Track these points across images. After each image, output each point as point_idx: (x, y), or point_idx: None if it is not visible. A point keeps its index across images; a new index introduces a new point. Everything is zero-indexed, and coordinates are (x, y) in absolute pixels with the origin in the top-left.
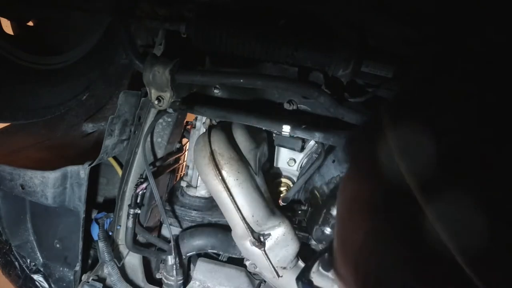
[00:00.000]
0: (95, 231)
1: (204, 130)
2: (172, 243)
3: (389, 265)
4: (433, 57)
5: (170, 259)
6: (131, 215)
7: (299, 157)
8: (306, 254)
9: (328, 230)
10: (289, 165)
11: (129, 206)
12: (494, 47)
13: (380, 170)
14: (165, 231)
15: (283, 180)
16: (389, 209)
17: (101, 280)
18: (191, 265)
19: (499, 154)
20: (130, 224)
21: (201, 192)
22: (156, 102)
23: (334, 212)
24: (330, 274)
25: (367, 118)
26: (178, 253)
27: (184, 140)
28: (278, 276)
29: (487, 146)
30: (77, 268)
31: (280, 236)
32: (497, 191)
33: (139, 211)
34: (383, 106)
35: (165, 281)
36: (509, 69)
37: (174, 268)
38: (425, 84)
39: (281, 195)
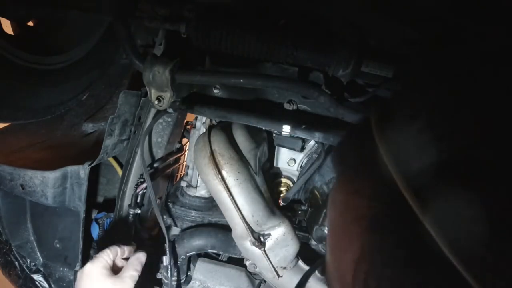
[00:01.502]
0: (95, 231)
1: (204, 130)
2: (167, 244)
3: (389, 280)
4: (424, 60)
5: (165, 260)
6: (131, 215)
7: (299, 157)
8: (306, 254)
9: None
10: (289, 165)
11: (129, 206)
12: (492, 50)
13: (372, 181)
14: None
15: (283, 180)
16: (385, 221)
17: None
18: (191, 265)
19: (492, 160)
20: None
21: (201, 192)
22: (156, 102)
23: None
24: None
25: (352, 126)
26: (175, 254)
27: (184, 140)
28: (278, 276)
29: (479, 151)
30: (77, 268)
31: (280, 236)
32: (492, 195)
33: (139, 211)
34: (371, 112)
35: (165, 281)
36: (504, 75)
37: (169, 270)
38: (417, 89)
39: (281, 195)
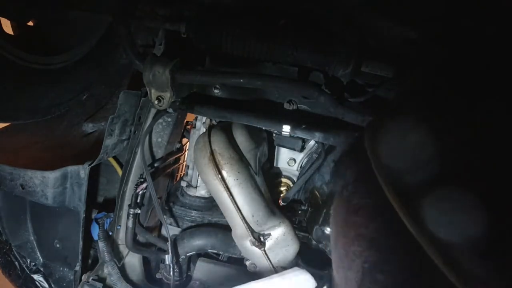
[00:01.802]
0: (95, 231)
1: (204, 130)
2: (169, 243)
3: None
4: (424, 63)
5: (167, 259)
6: (131, 215)
7: (299, 157)
8: (306, 254)
9: (328, 230)
10: (289, 165)
11: (129, 206)
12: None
13: (369, 200)
14: (165, 231)
15: (283, 180)
16: (383, 239)
17: (101, 280)
18: (191, 265)
19: (487, 172)
20: (130, 224)
21: (201, 192)
22: (156, 102)
23: None
24: None
25: (351, 143)
26: (176, 253)
27: (184, 140)
28: None
29: (463, 165)
30: (77, 268)
31: (280, 236)
32: (484, 210)
33: (139, 211)
34: (365, 129)
35: (165, 281)
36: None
37: (171, 268)
38: (412, 102)
39: (281, 195)
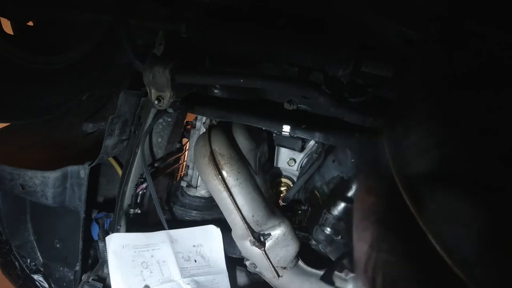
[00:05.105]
0: (95, 231)
1: (204, 130)
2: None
3: (394, 266)
4: (425, 63)
5: None
6: (131, 215)
7: (299, 157)
8: (306, 254)
9: (328, 230)
10: (289, 165)
11: (129, 206)
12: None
13: (380, 181)
14: None
15: (283, 180)
16: (388, 217)
17: (101, 280)
18: None
19: (488, 168)
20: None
21: (201, 192)
22: (156, 102)
23: (334, 212)
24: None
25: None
26: None
27: (184, 140)
28: (278, 276)
29: (476, 160)
30: (77, 268)
31: (280, 236)
32: (486, 202)
33: (139, 211)
34: (384, 116)
35: None
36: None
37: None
38: (421, 95)
39: (281, 195)
